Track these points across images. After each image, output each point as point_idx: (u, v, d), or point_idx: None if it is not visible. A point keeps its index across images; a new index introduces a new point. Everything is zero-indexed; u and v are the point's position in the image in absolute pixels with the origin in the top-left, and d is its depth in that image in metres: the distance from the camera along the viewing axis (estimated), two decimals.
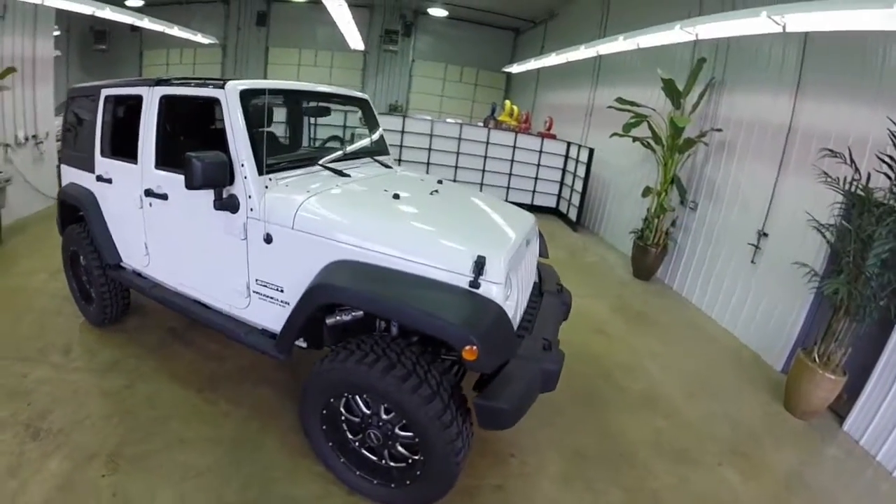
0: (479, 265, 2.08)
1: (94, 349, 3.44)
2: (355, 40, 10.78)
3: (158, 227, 3.01)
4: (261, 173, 2.48)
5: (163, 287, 3.12)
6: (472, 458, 2.63)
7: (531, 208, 9.47)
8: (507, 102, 10.55)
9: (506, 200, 9.41)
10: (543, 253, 3.31)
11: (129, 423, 2.78)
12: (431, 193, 2.88)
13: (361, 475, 2.34)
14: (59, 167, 3.83)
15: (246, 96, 2.54)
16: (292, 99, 3.64)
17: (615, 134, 6.18)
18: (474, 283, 2.09)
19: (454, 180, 9.46)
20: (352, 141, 3.79)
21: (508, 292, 2.22)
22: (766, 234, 4.62)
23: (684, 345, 4.59)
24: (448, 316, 1.95)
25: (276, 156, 2.67)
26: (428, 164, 9.37)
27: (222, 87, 2.53)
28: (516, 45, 14.52)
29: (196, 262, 2.89)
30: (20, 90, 5.09)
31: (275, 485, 2.46)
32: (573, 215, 8.49)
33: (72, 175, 3.56)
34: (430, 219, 2.50)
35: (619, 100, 5.97)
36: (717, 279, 5.23)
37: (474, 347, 1.89)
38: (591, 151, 7.94)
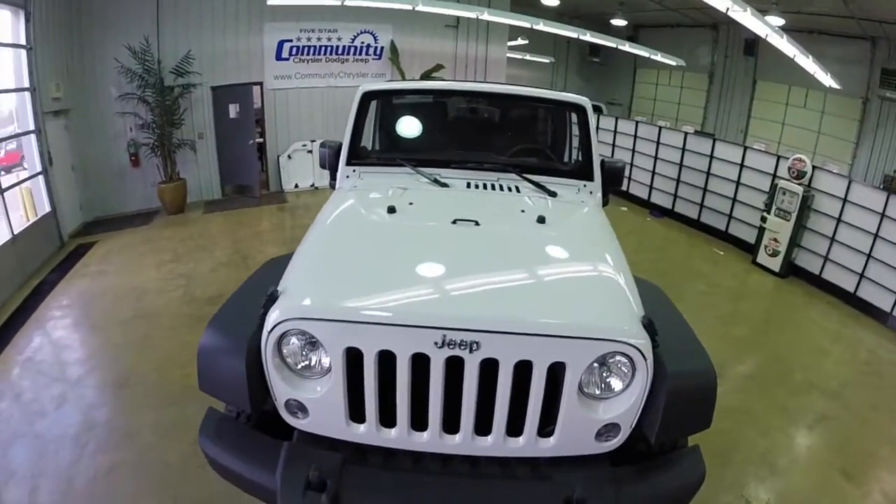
0: (269, 299, 1.67)
1: None
2: (825, 78, 7.93)
3: None
4: (347, 163, 2.73)
5: None
6: None
7: None
8: None
9: None
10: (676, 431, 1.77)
11: None
12: (454, 222, 2.09)
13: None
14: None
15: (369, 97, 2.87)
16: (454, 100, 3.39)
17: None
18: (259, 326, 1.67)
19: (862, 275, 5.70)
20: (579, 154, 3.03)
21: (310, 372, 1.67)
22: None
23: None
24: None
25: (379, 153, 3.03)
26: (832, 240, 6.05)
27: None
28: None
29: None
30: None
31: None
32: None
33: None
34: (349, 242, 2.10)
35: None
36: None
37: None
38: None
